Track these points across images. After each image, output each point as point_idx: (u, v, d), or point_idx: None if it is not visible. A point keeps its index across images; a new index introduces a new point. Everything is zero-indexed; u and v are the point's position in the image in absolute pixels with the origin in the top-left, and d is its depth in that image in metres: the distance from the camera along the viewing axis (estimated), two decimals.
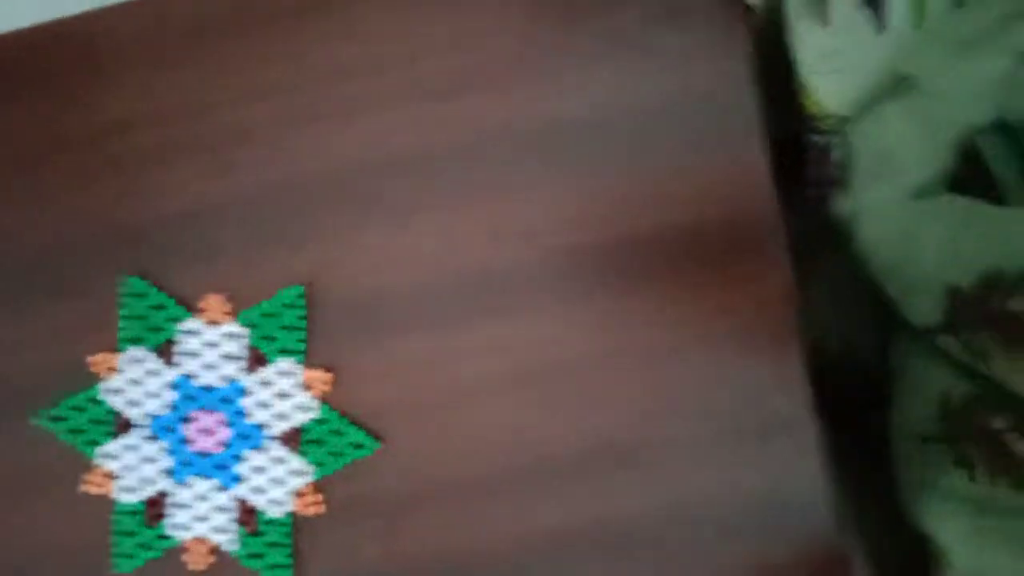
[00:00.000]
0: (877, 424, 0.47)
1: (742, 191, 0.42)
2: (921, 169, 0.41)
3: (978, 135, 0.40)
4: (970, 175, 0.41)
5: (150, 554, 0.44)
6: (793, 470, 0.41)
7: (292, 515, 0.44)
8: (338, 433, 0.44)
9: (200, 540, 0.44)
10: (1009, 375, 0.39)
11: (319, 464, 0.44)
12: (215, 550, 0.44)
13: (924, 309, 0.42)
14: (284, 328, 0.44)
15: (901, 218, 0.42)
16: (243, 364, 0.44)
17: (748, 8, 0.43)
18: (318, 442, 0.44)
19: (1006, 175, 0.40)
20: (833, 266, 0.49)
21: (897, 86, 0.40)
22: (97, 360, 0.44)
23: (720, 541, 0.42)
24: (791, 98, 0.46)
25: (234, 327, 0.44)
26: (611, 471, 0.42)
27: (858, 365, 0.50)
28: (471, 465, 0.44)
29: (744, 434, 0.41)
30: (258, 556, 0.44)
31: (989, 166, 0.40)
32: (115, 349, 0.44)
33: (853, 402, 0.50)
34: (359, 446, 0.44)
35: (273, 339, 0.44)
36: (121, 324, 0.44)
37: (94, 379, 0.44)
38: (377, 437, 0.44)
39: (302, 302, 0.44)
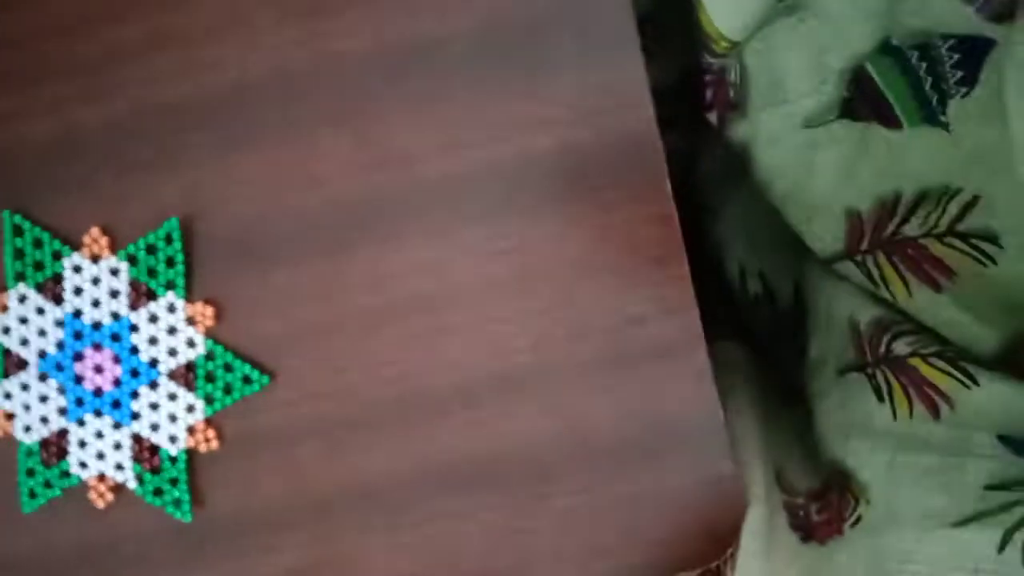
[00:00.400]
0: (791, 359, 0.45)
1: (620, 110, 0.39)
2: (812, 95, 0.38)
3: (868, 59, 0.37)
4: (862, 100, 0.38)
5: (53, 492, 0.44)
6: (683, 395, 0.39)
7: (187, 451, 0.44)
8: (227, 368, 0.43)
9: (101, 478, 0.44)
10: (907, 300, 0.37)
11: (210, 400, 0.43)
12: (117, 487, 0.44)
13: (825, 237, 0.40)
14: (165, 262, 0.42)
15: (795, 144, 0.39)
16: (128, 299, 0.43)
17: None
18: (208, 377, 0.43)
19: (898, 98, 0.36)
20: (745, 195, 0.46)
21: (786, 7, 0.37)
22: None
23: (610, 468, 0.40)
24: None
25: (116, 262, 0.43)
26: (496, 400, 0.41)
27: (774, 298, 0.48)
28: (359, 398, 0.43)
29: (630, 359, 0.40)
30: (159, 492, 0.44)
31: (880, 90, 0.37)
32: (1, 287, 0.43)
33: (772, 336, 0.48)
34: (248, 380, 0.43)
35: (156, 273, 0.43)
36: (5, 261, 0.43)
37: None
38: (266, 371, 0.43)
39: (179, 234, 0.42)
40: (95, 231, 0.43)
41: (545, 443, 0.41)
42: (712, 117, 0.44)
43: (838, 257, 0.40)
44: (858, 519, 0.38)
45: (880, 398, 0.39)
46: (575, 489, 0.41)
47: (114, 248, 0.43)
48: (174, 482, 0.44)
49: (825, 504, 0.40)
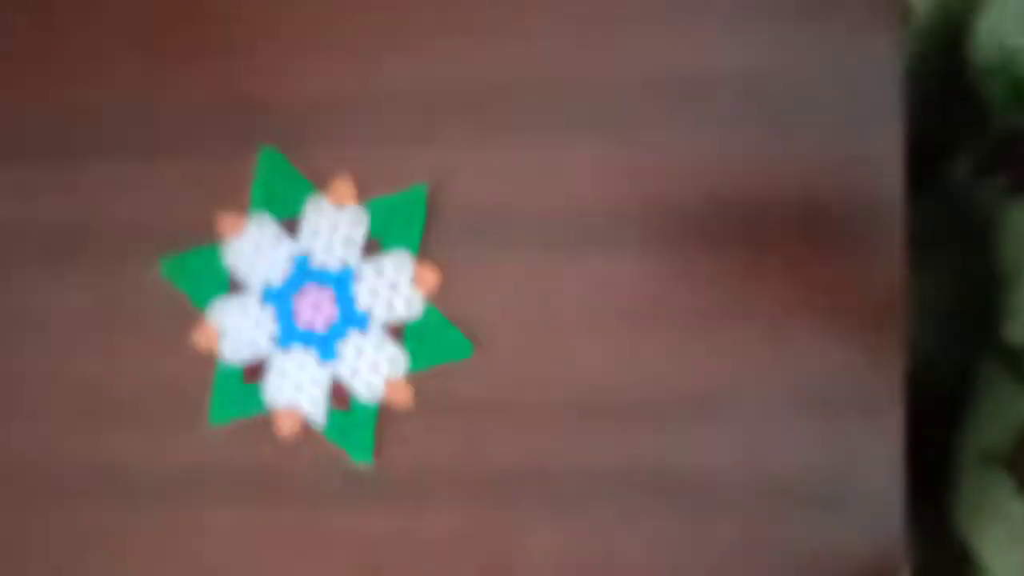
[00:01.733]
0: (938, 436, 0.47)
1: (870, 172, 0.41)
2: None
3: None
4: None
5: (243, 411, 0.47)
6: (872, 453, 0.41)
7: (381, 402, 0.46)
8: (438, 332, 0.45)
9: (291, 410, 0.46)
10: None
11: (415, 358, 0.45)
12: (303, 422, 0.47)
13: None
14: (404, 222, 0.45)
15: None
16: (360, 249, 0.45)
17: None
18: (418, 337, 0.45)
19: None
20: (948, 258, 0.48)
21: None
22: (225, 221, 0.46)
23: (781, 505, 0.42)
24: (952, 96, 0.45)
25: (357, 212, 0.45)
26: (687, 421, 0.43)
27: (936, 373, 0.50)
28: (555, 389, 0.45)
29: (829, 407, 0.42)
30: (343, 434, 0.46)
31: None
32: (244, 214, 0.46)
33: (924, 410, 0.49)
34: (456, 348, 0.45)
35: (391, 230, 0.45)
36: (253, 191, 0.46)
37: (218, 238, 0.46)
38: (473, 344, 0.45)
39: (424, 200, 0.45)
40: (345, 179, 0.45)
41: (724, 471, 0.44)
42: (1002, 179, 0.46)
43: None
44: None
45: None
46: (741, 521, 0.44)
47: (360, 199, 0.45)
48: (361, 427, 0.46)
49: None
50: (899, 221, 0.41)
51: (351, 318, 0.46)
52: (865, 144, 0.42)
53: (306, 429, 0.47)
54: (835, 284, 0.42)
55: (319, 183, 0.46)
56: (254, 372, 0.46)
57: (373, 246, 0.45)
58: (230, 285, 0.46)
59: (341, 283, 0.46)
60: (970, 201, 0.46)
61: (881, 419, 0.42)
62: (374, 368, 0.46)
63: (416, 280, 0.45)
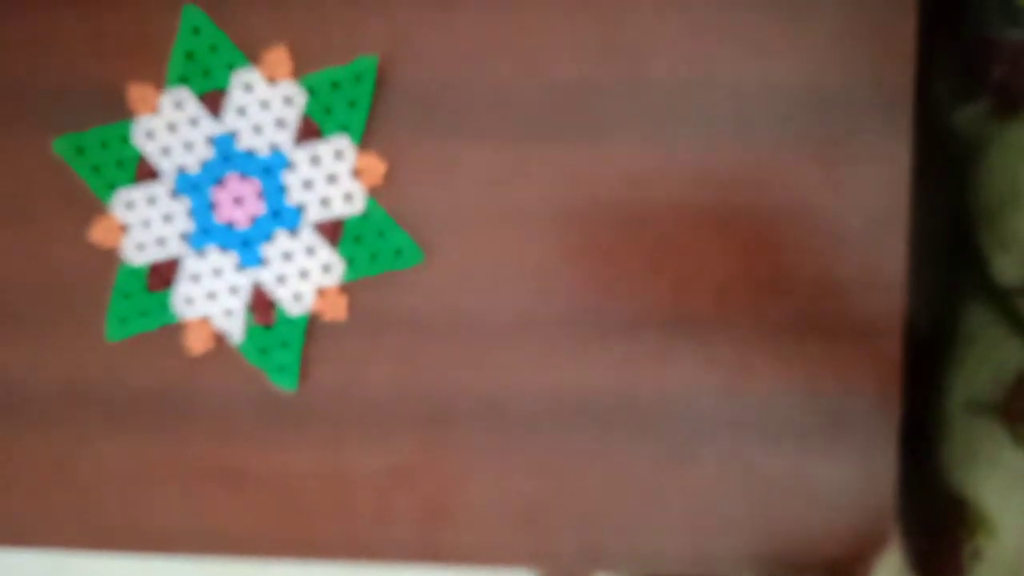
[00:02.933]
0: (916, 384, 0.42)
1: (881, 62, 0.36)
2: None
3: None
4: None
5: (146, 324, 0.39)
6: (865, 381, 0.36)
7: (310, 315, 0.39)
8: (381, 234, 0.39)
9: (203, 321, 0.39)
10: None
11: (353, 264, 0.39)
12: (218, 336, 0.39)
13: (1017, 266, 0.37)
14: (347, 102, 0.38)
15: None
16: (294, 133, 0.39)
17: None
18: (357, 240, 0.39)
19: None
20: (926, 192, 0.43)
21: None
22: (136, 92, 0.39)
23: (765, 441, 0.37)
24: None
25: (293, 89, 0.38)
26: (663, 340, 0.38)
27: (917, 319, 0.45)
28: (513, 305, 0.38)
29: (820, 330, 0.37)
30: (263, 353, 0.39)
31: None
32: (158, 86, 0.39)
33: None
34: (400, 254, 0.39)
35: (332, 111, 0.38)
36: (171, 60, 0.39)
37: (128, 114, 0.39)
38: (422, 250, 0.39)
39: (372, 76, 0.38)
40: (281, 50, 0.39)
41: (705, 394, 0.37)
42: (980, 96, 0.41)
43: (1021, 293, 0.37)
44: (975, 552, 0.36)
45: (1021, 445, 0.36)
46: (722, 455, 0.37)
47: (295, 74, 0.39)
48: (285, 345, 0.39)
49: (937, 539, 0.37)
50: (907, 111, 0.36)
51: (279, 215, 0.39)
52: (871, 28, 0.36)
53: (219, 345, 0.40)
54: (836, 190, 0.36)
55: (249, 53, 0.39)
56: (161, 276, 0.39)
57: (309, 129, 0.39)
58: (138, 171, 0.39)
59: (269, 172, 0.39)
60: (949, 127, 0.41)
61: (879, 343, 0.36)
62: (304, 275, 0.39)
63: (358, 171, 0.39)
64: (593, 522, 0.39)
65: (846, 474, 0.37)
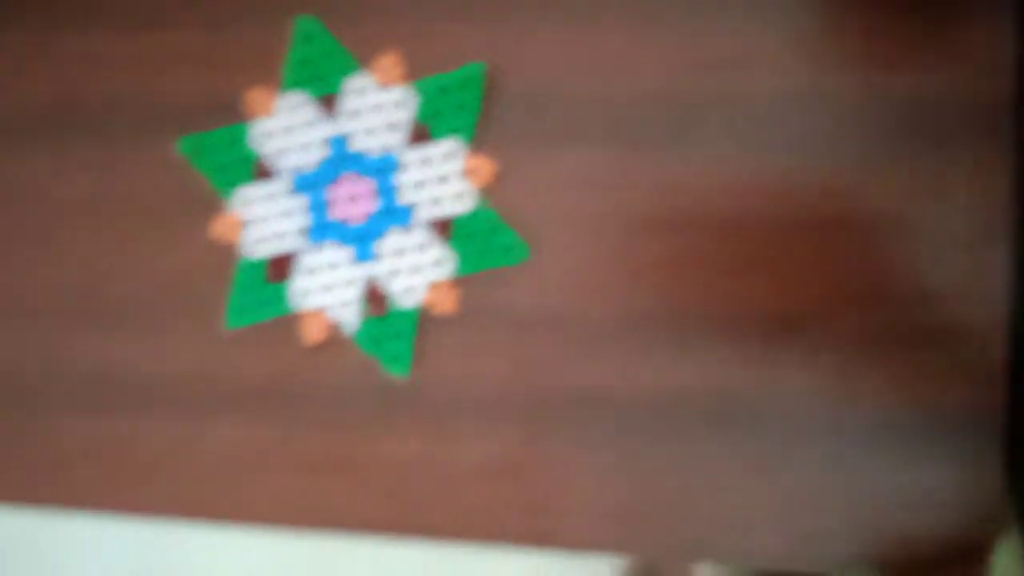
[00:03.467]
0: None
1: (977, 76, 0.37)
2: None
3: None
4: None
5: (264, 314, 0.42)
6: (967, 389, 0.38)
7: (421, 308, 0.41)
8: (490, 231, 0.41)
9: (319, 312, 0.42)
10: None
11: (463, 260, 0.41)
12: (333, 326, 0.42)
13: None
14: (457, 106, 0.40)
15: None
16: (406, 135, 0.40)
17: None
18: (467, 237, 0.41)
19: None
20: None
21: None
22: (254, 97, 0.41)
23: (866, 445, 0.39)
24: None
25: (404, 93, 0.40)
26: (765, 340, 0.39)
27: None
28: (617, 303, 0.40)
29: (919, 337, 0.38)
30: (377, 342, 0.41)
31: None
32: (276, 91, 0.41)
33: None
34: (508, 251, 0.41)
35: (442, 115, 0.40)
36: (287, 65, 0.41)
37: (246, 117, 0.41)
38: (529, 247, 0.41)
39: (481, 81, 0.40)
40: (393, 55, 0.40)
41: (805, 398, 0.39)
42: None
43: None
44: None
45: None
46: (821, 456, 0.39)
47: (408, 79, 0.41)
48: (398, 335, 0.41)
49: None
50: (1008, 120, 0.37)
51: (392, 212, 0.41)
52: (970, 38, 0.38)
53: (335, 336, 0.42)
54: (941, 196, 0.38)
55: (363, 59, 0.41)
56: (280, 269, 0.41)
57: (421, 132, 0.40)
58: (257, 170, 0.41)
59: (383, 173, 0.41)
60: None
61: (983, 354, 0.38)
62: (416, 269, 0.41)
63: (468, 172, 0.40)
64: (691, 517, 0.41)
65: (949, 481, 0.38)
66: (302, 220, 0.41)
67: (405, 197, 0.41)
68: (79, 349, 0.44)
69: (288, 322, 0.42)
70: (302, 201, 0.41)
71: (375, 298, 0.41)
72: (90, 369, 0.44)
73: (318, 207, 0.41)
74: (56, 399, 0.44)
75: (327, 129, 0.41)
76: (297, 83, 0.41)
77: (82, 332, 0.43)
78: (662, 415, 0.41)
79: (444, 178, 0.41)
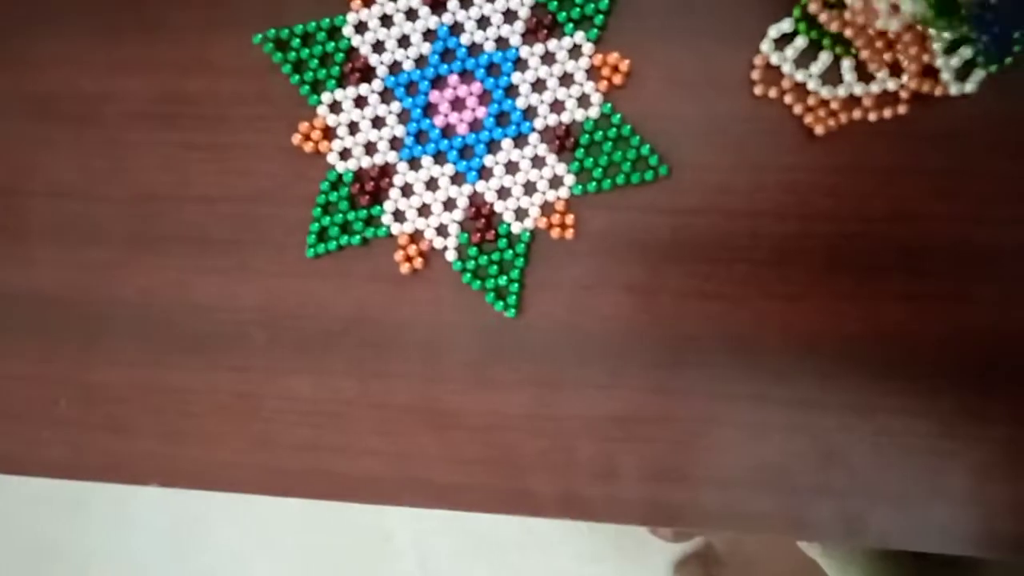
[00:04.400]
0: None
1: None
2: None
3: None
4: None
5: (350, 239, 0.36)
6: None
7: (534, 232, 0.35)
8: (618, 143, 0.34)
9: (415, 236, 0.35)
10: None
11: (585, 177, 0.34)
12: (428, 256, 0.36)
13: None
14: None
15: None
16: (524, 27, 0.34)
17: None
18: (591, 149, 0.34)
19: None
20: None
21: None
22: None
23: None
24: None
25: None
26: (948, 273, 0.32)
27: None
28: (766, 230, 0.34)
29: None
30: (480, 274, 0.35)
31: None
32: None
33: None
34: (640, 166, 0.34)
35: (568, 4, 0.34)
36: None
37: (341, 8, 0.35)
38: (664, 161, 0.34)
39: None
40: None
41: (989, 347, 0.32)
42: None
43: None
44: None
45: None
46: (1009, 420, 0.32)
47: None
48: (505, 265, 0.35)
49: None
50: None
51: (503, 120, 0.35)
52: None
53: (429, 266, 0.36)
54: None
55: None
56: (368, 187, 0.35)
57: (544, 22, 0.34)
58: (346, 70, 0.35)
59: (495, 72, 0.35)
60: None
61: None
62: (528, 188, 0.35)
63: (595, 71, 0.34)
64: (859, 492, 0.34)
65: None
66: (396, 129, 0.35)
67: (521, 100, 0.34)
68: (134, 281, 0.38)
69: (377, 249, 0.36)
70: (399, 106, 0.35)
71: (480, 222, 0.35)
72: (143, 306, 0.38)
73: (417, 114, 0.35)
74: (111, 342, 0.38)
75: (432, 20, 0.35)
76: None
77: (139, 260, 0.38)
78: (822, 368, 0.34)
79: (567, 78, 0.34)
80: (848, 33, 0.32)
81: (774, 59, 0.33)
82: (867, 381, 0.34)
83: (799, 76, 0.33)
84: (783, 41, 0.33)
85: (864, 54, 0.32)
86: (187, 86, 0.37)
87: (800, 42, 0.32)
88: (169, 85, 0.37)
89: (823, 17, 0.32)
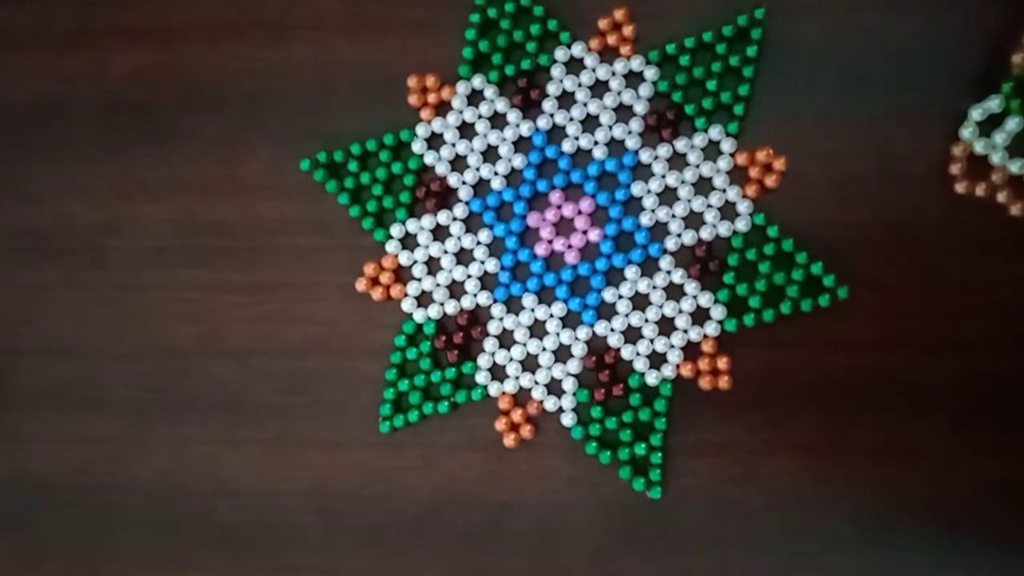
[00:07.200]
0: None
1: None
2: None
3: None
4: None
5: (436, 406, 0.28)
6: None
7: (674, 383, 0.27)
8: (780, 260, 0.26)
9: (520, 399, 0.27)
10: None
11: (738, 308, 0.27)
12: (539, 420, 0.27)
13: None
14: (716, 76, 0.27)
15: None
16: (643, 125, 0.27)
17: None
18: (744, 271, 0.27)
19: None
20: None
21: None
22: (418, 85, 0.28)
23: None
24: None
25: (640, 64, 0.27)
26: None
27: None
28: (974, 372, 0.26)
29: None
30: (610, 441, 0.27)
31: None
32: (449, 79, 0.28)
33: None
34: (813, 289, 0.26)
35: (697, 93, 0.27)
36: (467, 38, 0.28)
37: (406, 118, 0.28)
38: (845, 281, 0.26)
39: (758, 36, 0.27)
40: (619, 15, 0.27)
41: None
42: None
43: None
44: None
45: None
46: None
47: (640, 45, 0.27)
48: (642, 430, 0.27)
49: None
50: None
51: (627, 242, 0.27)
52: None
53: (543, 433, 0.28)
54: None
55: (574, 22, 0.28)
56: (458, 339, 0.28)
57: (667, 118, 0.27)
58: (423, 195, 0.28)
59: (608, 184, 0.27)
60: None
61: None
62: (663, 327, 0.27)
63: (741, 173, 0.27)
64: None
65: None
66: (490, 264, 0.28)
67: (646, 217, 0.27)
68: (149, 461, 0.30)
69: (473, 417, 0.28)
70: (488, 235, 0.28)
71: (604, 373, 0.27)
72: (160, 493, 0.30)
73: (512, 242, 0.27)
74: (118, 542, 0.30)
75: (524, 125, 0.27)
76: (475, 65, 0.28)
77: (155, 433, 0.30)
78: None
79: (705, 183, 0.27)
80: None
81: (979, 147, 0.25)
82: None
83: (1014, 168, 0.25)
84: (989, 124, 0.26)
85: None
86: (214, 212, 0.29)
87: (1013, 125, 0.25)
88: (191, 211, 0.30)
89: None
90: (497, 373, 0.28)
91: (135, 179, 0.30)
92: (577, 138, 0.27)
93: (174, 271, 0.30)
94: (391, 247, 0.28)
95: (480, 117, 0.28)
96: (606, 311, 0.27)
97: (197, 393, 0.30)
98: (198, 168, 0.30)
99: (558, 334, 0.27)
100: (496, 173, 0.28)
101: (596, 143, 0.27)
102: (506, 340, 0.28)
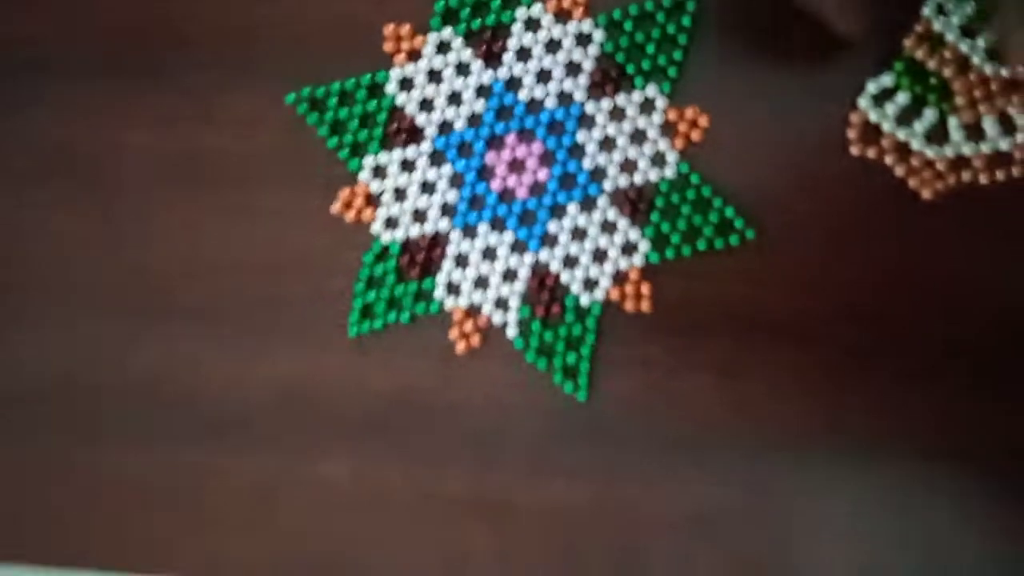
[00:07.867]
0: None
1: None
2: None
3: None
4: None
5: (398, 317, 0.32)
6: None
7: (603, 305, 0.31)
8: (700, 204, 0.31)
9: (471, 312, 0.32)
10: None
11: (661, 242, 0.31)
12: (487, 331, 0.32)
13: None
14: (658, 40, 0.31)
15: None
16: (590, 80, 0.31)
17: None
18: (668, 211, 0.31)
19: None
20: None
21: None
22: (393, 33, 0.32)
23: None
24: None
25: (589, 27, 0.31)
26: None
27: None
28: (862, 302, 0.30)
29: None
30: (545, 351, 0.32)
31: None
32: (420, 29, 0.32)
33: None
34: (723, 230, 0.31)
35: (638, 55, 0.31)
36: None
37: (382, 63, 0.32)
38: (752, 225, 0.31)
39: (693, 8, 0.31)
40: None
41: None
42: None
43: None
44: None
45: None
46: None
47: (591, 10, 0.31)
48: (573, 341, 0.31)
49: None
50: None
51: (570, 182, 0.31)
52: None
53: (487, 344, 0.32)
54: None
55: None
56: (418, 258, 0.32)
57: (611, 75, 0.31)
58: (390, 130, 0.32)
59: (557, 130, 0.31)
60: None
61: None
62: (597, 256, 0.31)
63: (672, 126, 0.31)
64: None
65: None
66: (449, 195, 0.32)
67: (588, 161, 0.31)
68: (150, 357, 0.34)
69: (427, 326, 0.32)
70: (451, 170, 0.32)
71: (544, 294, 0.31)
72: (161, 380, 0.34)
73: (472, 177, 0.32)
74: (115, 424, 0.34)
75: (486, 75, 0.31)
76: (446, 18, 0.32)
77: (159, 333, 0.34)
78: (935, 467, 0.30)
79: (640, 135, 0.31)
80: (956, 86, 0.29)
81: (873, 116, 0.30)
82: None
83: (900, 135, 0.30)
84: (883, 97, 0.30)
85: (960, 102, 0.29)
86: (205, 141, 0.33)
87: (902, 99, 0.30)
88: (184, 140, 0.33)
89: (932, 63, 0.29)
90: (453, 289, 0.32)
91: (132, 109, 0.33)
92: (532, 89, 0.31)
93: (164, 193, 0.34)
94: (364, 176, 0.32)
95: (447, 65, 0.31)
96: (549, 240, 0.31)
97: (185, 302, 0.34)
98: (192, 104, 0.33)
99: (507, 258, 0.32)
100: (459, 116, 0.32)
101: (548, 94, 0.31)
102: (462, 261, 0.32)
